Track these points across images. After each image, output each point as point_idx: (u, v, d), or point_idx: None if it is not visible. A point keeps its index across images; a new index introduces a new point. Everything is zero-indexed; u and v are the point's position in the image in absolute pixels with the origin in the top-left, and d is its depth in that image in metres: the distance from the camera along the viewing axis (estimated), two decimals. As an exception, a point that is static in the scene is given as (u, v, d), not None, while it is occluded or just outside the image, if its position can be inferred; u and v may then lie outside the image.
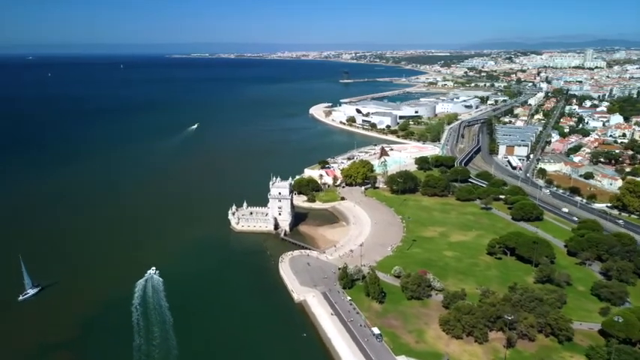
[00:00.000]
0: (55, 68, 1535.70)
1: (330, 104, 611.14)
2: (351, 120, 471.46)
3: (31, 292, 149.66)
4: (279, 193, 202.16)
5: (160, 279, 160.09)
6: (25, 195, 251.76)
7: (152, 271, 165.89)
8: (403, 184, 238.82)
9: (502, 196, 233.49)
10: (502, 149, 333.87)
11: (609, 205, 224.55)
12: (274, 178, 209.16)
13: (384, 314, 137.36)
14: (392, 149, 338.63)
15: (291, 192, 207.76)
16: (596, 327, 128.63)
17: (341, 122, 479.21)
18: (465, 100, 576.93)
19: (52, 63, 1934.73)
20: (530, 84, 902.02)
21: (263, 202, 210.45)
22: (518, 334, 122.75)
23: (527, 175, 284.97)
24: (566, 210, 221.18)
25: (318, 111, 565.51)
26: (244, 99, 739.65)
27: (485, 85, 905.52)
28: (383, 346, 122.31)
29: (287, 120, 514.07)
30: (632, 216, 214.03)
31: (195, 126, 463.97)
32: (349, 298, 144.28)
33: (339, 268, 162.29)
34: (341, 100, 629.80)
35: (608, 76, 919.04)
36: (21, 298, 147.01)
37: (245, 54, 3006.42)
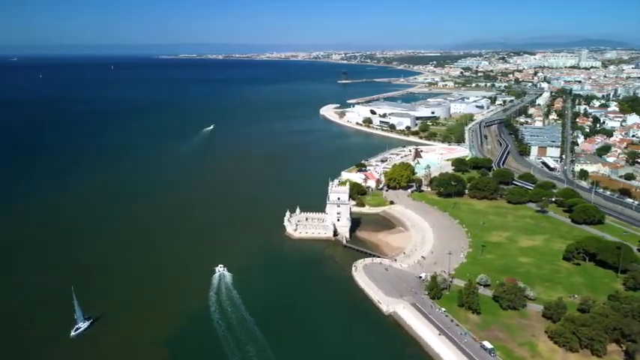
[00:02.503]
0: (44, 69, 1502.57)
1: (338, 105, 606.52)
2: (368, 121, 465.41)
3: (82, 325, 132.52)
4: (338, 199, 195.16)
5: (231, 282, 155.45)
6: (44, 206, 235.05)
7: (220, 268, 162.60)
8: (454, 187, 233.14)
9: (553, 199, 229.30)
10: (534, 150, 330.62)
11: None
12: (332, 183, 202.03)
13: (486, 326, 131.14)
14: (422, 151, 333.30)
15: (350, 197, 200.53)
16: None
17: (357, 123, 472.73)
18: (475, 101, 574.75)
19: (41, 64, 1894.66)
20: (530, 84, 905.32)
21: (308, 206, 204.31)
22: (638, 346, 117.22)
23: (568, 176, 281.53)
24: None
25: (329, 112, 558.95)
26: (248, 100, 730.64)
27: (485, 85, 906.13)
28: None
29: (300, 121, 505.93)
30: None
31: (211, 127, 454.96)
32: (444, 309, 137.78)
33: (419, 277, 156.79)
34: (348, 101, 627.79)
35: (605, 76, 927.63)
36: (73, 333, 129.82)
37: (233, 54, 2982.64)
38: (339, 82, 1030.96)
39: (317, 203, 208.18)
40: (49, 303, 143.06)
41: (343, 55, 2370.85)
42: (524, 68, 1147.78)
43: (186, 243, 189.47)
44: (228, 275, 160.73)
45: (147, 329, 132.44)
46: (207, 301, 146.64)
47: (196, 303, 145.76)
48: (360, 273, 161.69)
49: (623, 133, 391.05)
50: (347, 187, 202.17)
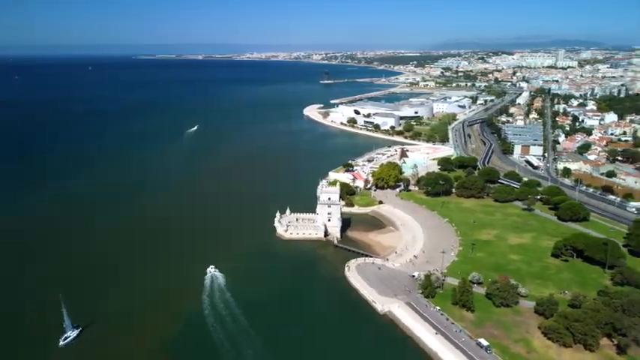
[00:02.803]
0: (19, 70, 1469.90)
1: (322, 105, 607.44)
2: (352, 121, 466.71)
3: (71, 334, 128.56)
4: (329, 199, 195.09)
5: (224, 285, 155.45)
6: (30, 211, 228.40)
7: (212, 269, 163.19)
8: (442, 186, 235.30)
9: (538, 197, 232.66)
10: (517, 149, 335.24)
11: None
12: (322, 183, 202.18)
13: (480, 324, 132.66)
14: (408, 150, 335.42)
15: (340, 197, 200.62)
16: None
17: (342, 124, 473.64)
18: (457, 100, 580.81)
19: (15, 65, 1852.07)
20: (509, 84, 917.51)
21: (296, 207, 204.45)
22: (629, 340, 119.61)
23: (551, 174, 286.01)
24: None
25: (313, 112, 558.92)
26: (230, 101, 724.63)
27: (466, 84, 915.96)
28: (495, 358, 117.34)
29: (284, 122, 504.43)
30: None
31: (195, 128, 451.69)
32: (438, 307, 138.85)
33: (412, 276, 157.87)
34: (331, 101, 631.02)
35: (582, 76, 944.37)
36: (62, 343, 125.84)
37: (213, 55, 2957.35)
38: (322, 82, 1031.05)
39: (306, 204, 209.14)
40: (39, 308, 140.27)
41: (324, 56, 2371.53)
42: (503, 68, 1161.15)
43: (178, 245, 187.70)
44: (220, 277, 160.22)
45: (138, 335, 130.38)
46: (202, 304, 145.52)
47: (190, 306, 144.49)
48: (354, 273, 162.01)
49: (602, 132, 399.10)
50: (337, 188, 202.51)
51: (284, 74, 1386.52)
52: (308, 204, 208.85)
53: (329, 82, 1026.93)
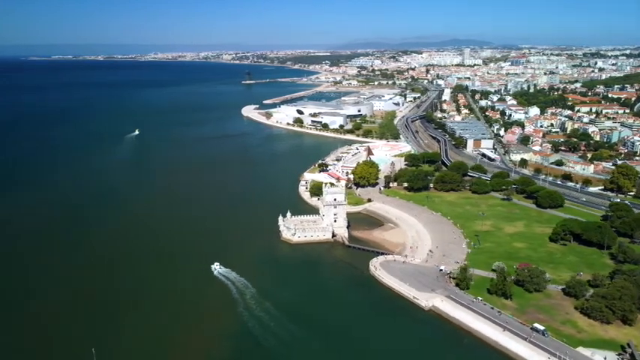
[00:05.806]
0: None
1: (257, 106, 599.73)
2: (299, 121, 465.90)
3: None
4: (335, 199, 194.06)
5: (256, 293, 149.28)
6: None
7: (217, 266, 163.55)
8: (429, 181, 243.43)
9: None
10: (470, 143, 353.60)
11: (602, 188, 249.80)
12: (325, 186, 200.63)
13: (523, 310, 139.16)
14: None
15: (345, 197, 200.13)
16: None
17: (288, 124, 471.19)
18: (391, 98, 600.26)
19: None
20: (425, 81, 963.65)
21: (281, 210, 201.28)
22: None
23: (508, 165, 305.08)
24: None
25: (252, 113, 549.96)
26: (157, 103, 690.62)
27: (387, 83, 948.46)
28: (554, 341, 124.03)
29: (226, 124, 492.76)
30: (620, 195, 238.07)
31: (136, 132, 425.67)
32: (481, 298, 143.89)
33: (440, 269, 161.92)
34: (264, 102, 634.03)
35: (488, 73, 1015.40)
36: None
37: (115, 56, 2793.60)
38: (244, 82, 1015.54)
39: (292, 205, 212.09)
40: None
41: (234, 56, 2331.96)
42: (416, 66, 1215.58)
43: (183, 259, 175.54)
44: (242, 279, 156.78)
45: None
46: (241, 317, 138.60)
47: (229, 323, 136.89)
48: (382, 271, 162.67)
49: (532, 124, 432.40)
50: (342, 187, 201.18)
51: (199, 75, 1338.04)
52: (295, 205, 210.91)
53: (251, 82, 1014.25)
